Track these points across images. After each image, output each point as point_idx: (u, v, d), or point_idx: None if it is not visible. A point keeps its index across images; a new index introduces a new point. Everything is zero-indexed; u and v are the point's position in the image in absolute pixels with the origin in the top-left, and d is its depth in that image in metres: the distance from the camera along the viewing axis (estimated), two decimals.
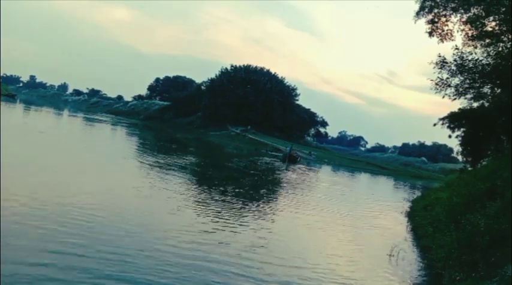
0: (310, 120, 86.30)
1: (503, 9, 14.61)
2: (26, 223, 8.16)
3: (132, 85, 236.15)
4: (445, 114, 20.48)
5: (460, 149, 20.83)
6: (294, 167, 36.57)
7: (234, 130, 70.02)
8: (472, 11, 15.84)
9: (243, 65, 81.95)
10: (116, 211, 10.54)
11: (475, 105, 18.87)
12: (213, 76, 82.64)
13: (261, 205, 15.34)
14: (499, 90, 17.18)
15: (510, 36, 15.38)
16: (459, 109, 19.52)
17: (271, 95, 77.04)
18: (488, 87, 17.63)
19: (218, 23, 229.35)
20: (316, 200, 19.52)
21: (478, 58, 16.58)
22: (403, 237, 13.32)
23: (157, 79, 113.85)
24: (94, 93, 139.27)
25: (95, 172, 16.30)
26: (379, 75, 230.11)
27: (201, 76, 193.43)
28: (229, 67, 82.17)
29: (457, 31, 16.71)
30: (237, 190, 17.67)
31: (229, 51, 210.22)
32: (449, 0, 16.35)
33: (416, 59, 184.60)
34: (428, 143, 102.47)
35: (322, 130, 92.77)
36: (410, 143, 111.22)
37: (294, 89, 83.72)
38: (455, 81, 17.27)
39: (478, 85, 17.40)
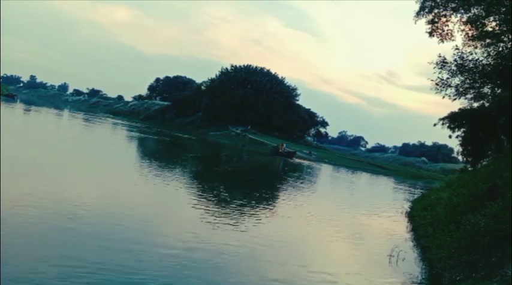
0: (310, 120, 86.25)
1: (504, 9, 14.59)
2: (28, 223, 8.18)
3: (132, 85, 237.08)
4: (445, 114, 20.45)
5: (461, 149, 20.78)
6: (293, 163, 36.63)
7: (234, 130, 70.04)
8: (472, 11, 15.82)
9: (243, 65, 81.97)
10: (110, 210, 10.53)
11: (475, 105, 18.84)
12: (213, 76, 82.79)
13: (259, 205, 15.33)
14: (499, 90, 17.15)
15: (510, 36, 15.36)
16: (459, 109, 19.49)
17: (271, 95, 76.99)
18: (489, 87, 17.61)
19: (218, 23, 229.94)
20: (315, 201, 19.52)
21: (478, 59, 16.57)
22: (404, 237, 13.32)
23: (157, 79, 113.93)
24: (94, 93, 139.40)
25: (94, 174, 16.30)
26: (379, 75, 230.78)
27: (201, 76, 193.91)
28: (229, 68, 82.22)
29: (457, 31, 16.72)
30: (234, 191, 17.68)
31: (229, 51, 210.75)
32: (449, 0, 16.33)
33: (416, 59, 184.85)
34: (429, 143, 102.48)
35: (322, 130, 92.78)
36: (411, 143, 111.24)
37: (294, 89, 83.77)
38: (456, 81, 17.25)
39: (478, 85, 17.37)
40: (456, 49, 16.57)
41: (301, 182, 26.53)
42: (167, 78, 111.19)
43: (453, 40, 16.97)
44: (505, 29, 14.98)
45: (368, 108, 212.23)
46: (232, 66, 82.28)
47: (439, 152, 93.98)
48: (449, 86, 17.23)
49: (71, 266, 6.51)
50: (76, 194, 11.18)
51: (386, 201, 24.05)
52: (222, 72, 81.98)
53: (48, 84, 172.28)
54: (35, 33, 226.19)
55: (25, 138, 23.41)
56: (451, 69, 16.92)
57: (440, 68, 17.02)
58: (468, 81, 17.16)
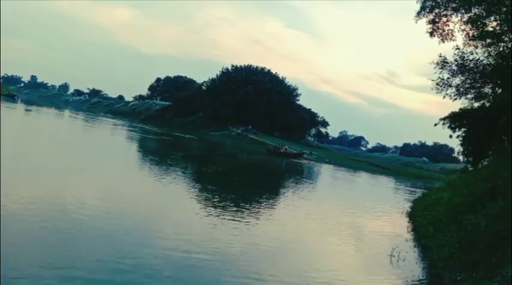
0: (310, 120, 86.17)
1: (504, 9, 14.58)
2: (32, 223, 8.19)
3: (132, 85, 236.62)
4: (446, 114, 20.39)
5: (461, 149, 20.68)
6: (298, 162, 36.59)
7: (234, 130, 69.97)
8: (473, 11, 15.80)
9: (244, 65, 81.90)
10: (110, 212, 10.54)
11: (476, 105, 18.79)
12: (214, 76, 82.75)
13: (260, 206, 15.33)
14: (500, 90, 17.11)
15: (511, 36, 15.34)
16: (460, 109, 19.42)
17: (272, 95, 76.92)
18: (489, 87, 17.56)
19: (218, 23, 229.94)
20: (316, 201, 19.51)
21: (479, 58, 16.54)
22: (404, 237, 13.30)
23: (158, 79, 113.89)
24: (95, 93, 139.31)
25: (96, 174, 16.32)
26: (379, 75, 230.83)
27: (201, 76, 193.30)
28: (229, 68, 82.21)
29: (458, 31, 16.68)
30: (237, 190, 17.67)
31: (230, 51, 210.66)
32: (450, 0, 16.31)
33: (416, 59, 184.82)
34: (430, 143, 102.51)
35: (323, 130, 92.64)
36: (411, 143, 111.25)
37: (294, 89, 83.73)
38: (456, 81, 17.21)
39: (479, 85, 17.33)
40: (457, 49, 16.55)
41: (301, 182, 26.53)
42: (168, 78, 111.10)
43: (454, 40, 16.95)
44: (505, 28, 14.96)
45: (368, 108, 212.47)
46: (232, 66, 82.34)
47: (439, 152, 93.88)
48: (450, 86, 17.20)
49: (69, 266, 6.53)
50: (68, 193, 11.19)
51: (387, 201, 24.04)
52: (222, 72, 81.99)
53: (48, 84, 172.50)
54: (35, 33, 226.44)
55: (23, 139, 23.43)
56: (451, 69, 16.90)
57: (441, 68, 16.99)
58: (469, 81, 17.12)
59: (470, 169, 20.71)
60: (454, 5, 16.30)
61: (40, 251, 6.96)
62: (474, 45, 16.31)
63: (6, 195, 9.38)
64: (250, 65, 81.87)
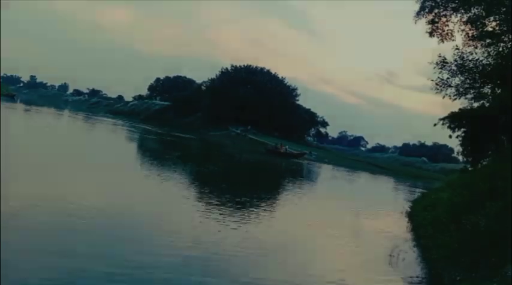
0: (310, 120, 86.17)
1: (504, 9, 14.58)
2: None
3: (132, 86, 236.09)
4: (445, 114, 20.39)
5: (461, 149, 20.71)
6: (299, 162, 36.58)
7: (234, 130, 69.95)
8: (473, 11, 15.81)
9: (244, 65, 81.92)
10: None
11: (476, 105, 18.81)
12: (214, 76, 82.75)
13: (260, 205, 15.32)
14: (499, 90, 17.13)
15: (510, 36, 15.34)
16: (459, 109, 19.43)
17: (271, 95, 76.90)
18: (489, 87, 17.58)
19: (218, 23, 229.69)
20: (314, 201, 19.51)
21: (478, 59, 16.54)
22: (404, 237, 13.31)
23: (157, 80, 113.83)
24: (94, 93, 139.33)
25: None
26: (379, 75, 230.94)
27: (201, 76, 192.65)
28: (229, 68, 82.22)
29: (458, 31, 16.68)
30: (236, 190, 17.67)
31: (229, 51, 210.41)
32: (449, 0, 16.32)
33: (416, 59, 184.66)
34: (429, 143, 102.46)
35: (322, 130, 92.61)
36: (411, 143, 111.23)
37: (294, 89, 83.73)
38: (456, 81, 17.22)
39: (478, 85, 17.35)
40: (456, 49, 16.56)
41: (301, 182, 26.52)
42: (167, 78, 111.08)
43: (453, 40, 16.95)
44: (505, 29, 14.96)
45: (368, 108, 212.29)
46: (232, 66, 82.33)
47: (439, 152, 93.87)
48: (450, 86, 17.21)
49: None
50: (67, 193, 11.19)
51: (386, 201, 24.05)
52: (222, 72, 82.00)
53: (48, 84, 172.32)
54: (35, 33, 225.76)
55: (22, 139, 23.43)
56: (451, 69, 16.91)
57: (441, 68, 17.00)
58: (468, 81, 17.14)
59: (469, 169, 20.71)
60: (453, 5, 16.31)
61: (39, 252, 6.95)
62: (474, 45, 16.32)
63: (6, 195, 9.37)
64: (250, 65, 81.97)
